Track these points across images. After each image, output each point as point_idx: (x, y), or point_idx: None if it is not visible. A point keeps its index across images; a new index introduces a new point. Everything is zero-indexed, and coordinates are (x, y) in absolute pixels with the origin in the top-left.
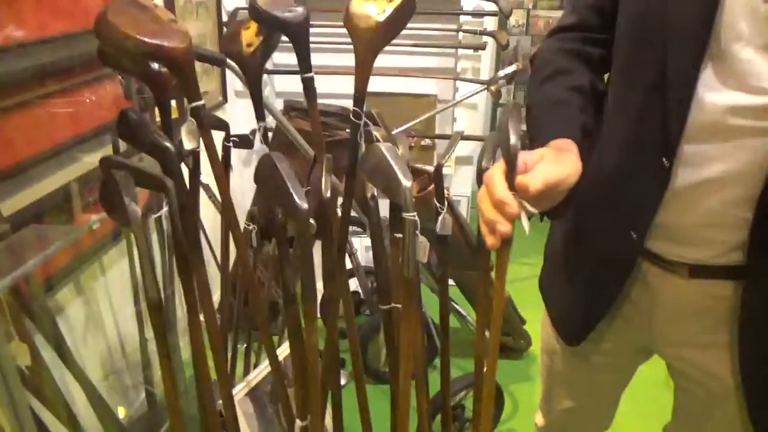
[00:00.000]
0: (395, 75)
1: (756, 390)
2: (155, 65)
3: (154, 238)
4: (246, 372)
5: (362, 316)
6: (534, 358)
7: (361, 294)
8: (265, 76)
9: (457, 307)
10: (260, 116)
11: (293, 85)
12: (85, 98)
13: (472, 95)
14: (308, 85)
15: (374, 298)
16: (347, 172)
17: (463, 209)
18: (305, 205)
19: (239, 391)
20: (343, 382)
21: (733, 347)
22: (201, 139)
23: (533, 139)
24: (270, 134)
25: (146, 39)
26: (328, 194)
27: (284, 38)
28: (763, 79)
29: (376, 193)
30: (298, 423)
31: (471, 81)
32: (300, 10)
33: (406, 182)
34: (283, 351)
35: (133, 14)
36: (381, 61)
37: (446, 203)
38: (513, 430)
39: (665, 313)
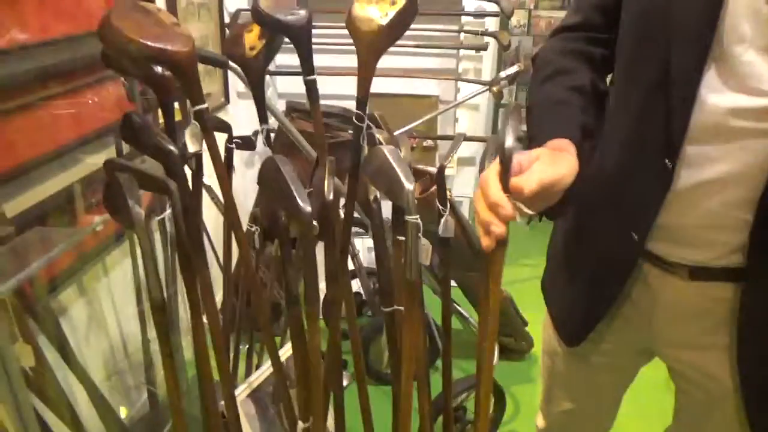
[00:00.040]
0: (397, 76)
1: (754, 392)
2: (158, 69)
3: (157, 238)
4: (248, 373)
5: (364, 317)
6: (536, 359)
7: (364, 295)
8: (267, 77)
9: (459, 308)
10: (263, 118)
11: (295, 86)
12: (87, 100)
13: (474, 96)
14: (311, 87)
15: (376, 299)
16: (350, 174)
17: (465, 210)
18: (308, 208)
19: (241, 392)
20: (345, 383)
21: (732, 349)
22: (204, 140)
23: (532, 139)
24: (272, 135)
25: (149, 43)
26: (331, 196)
27: (287, 39)
28: (764, 81)
29: (378, 196)
30: (300, 424)
31: (473, 82)
32: (302, 12)
33: (409, 186)
34: (286, 352)
35: (136, 18)
36: (383, 62)
37: (448, 205)
38: None
39: (665, 314)
